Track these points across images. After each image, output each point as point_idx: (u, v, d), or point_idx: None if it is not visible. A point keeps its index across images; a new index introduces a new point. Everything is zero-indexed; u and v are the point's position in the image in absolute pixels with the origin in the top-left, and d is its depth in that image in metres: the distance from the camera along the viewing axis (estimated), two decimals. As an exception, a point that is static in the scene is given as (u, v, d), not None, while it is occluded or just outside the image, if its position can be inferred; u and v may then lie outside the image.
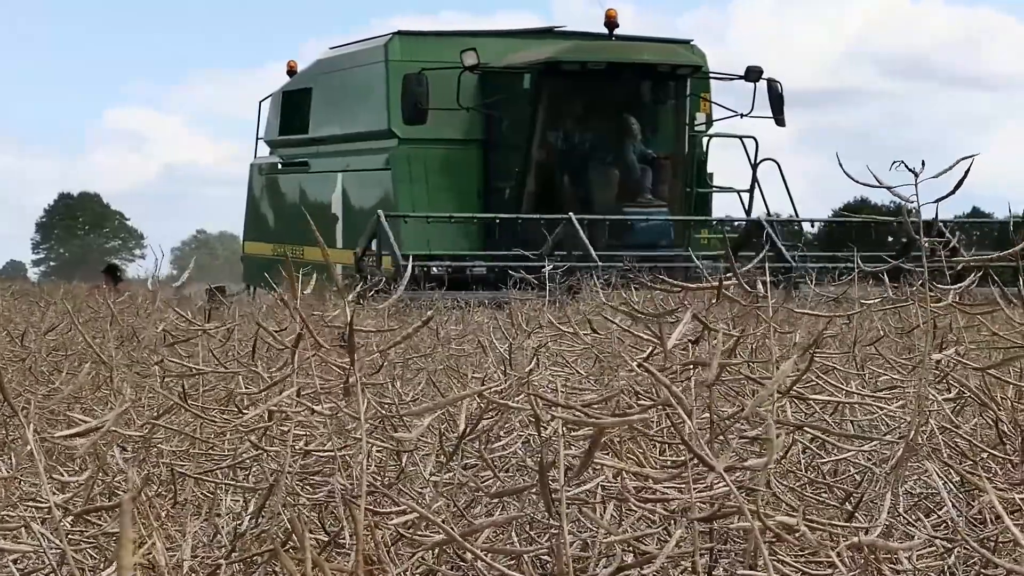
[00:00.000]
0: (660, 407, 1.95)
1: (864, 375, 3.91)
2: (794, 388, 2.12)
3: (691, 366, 2.49)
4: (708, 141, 19.18)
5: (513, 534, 2.58)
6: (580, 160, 18.15)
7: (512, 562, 2.50)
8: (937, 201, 2.43)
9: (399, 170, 17.97)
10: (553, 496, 2.16)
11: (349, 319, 2.08)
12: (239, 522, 2.75)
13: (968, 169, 2.36)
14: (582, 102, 18.01)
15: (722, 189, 19.52)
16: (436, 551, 2.59)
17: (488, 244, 17.40)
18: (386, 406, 3.09)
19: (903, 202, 2.48)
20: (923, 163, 2.42)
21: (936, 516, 2.94)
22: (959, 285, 2.62)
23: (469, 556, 2.44)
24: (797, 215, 18.86)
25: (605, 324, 2.97)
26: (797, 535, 1.73)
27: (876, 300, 3.26)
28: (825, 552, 2.68)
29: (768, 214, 18.69)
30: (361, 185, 19.01)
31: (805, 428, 2.23)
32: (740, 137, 18.88)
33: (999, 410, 3.01)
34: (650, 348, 2.78)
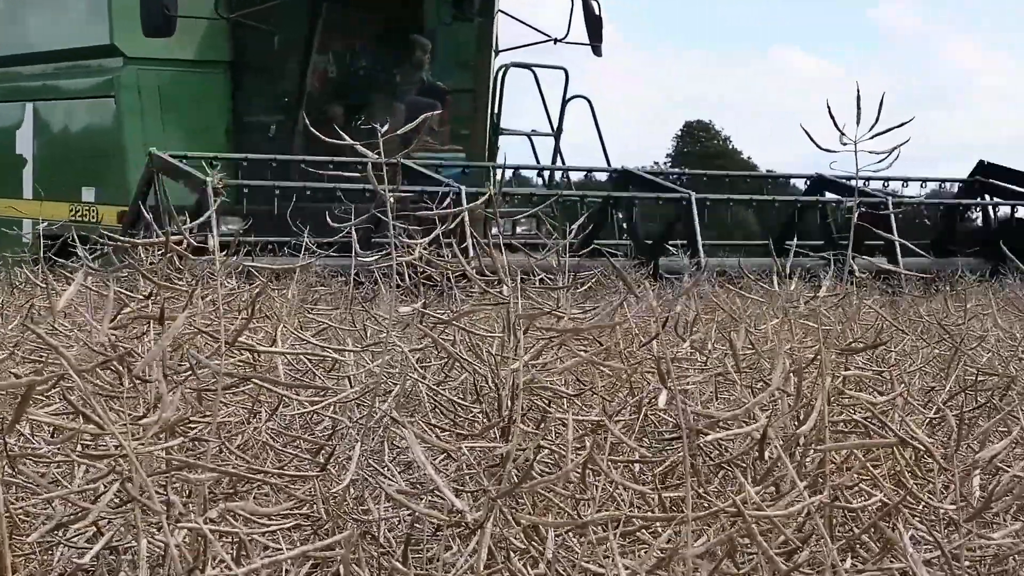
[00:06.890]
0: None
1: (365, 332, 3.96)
2: (240, 341, 2.11)
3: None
4: (503, 72, 14.93)
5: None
6: (363, 90, 14.43)
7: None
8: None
9: (126, 98, 13.73)
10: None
11: None
12: None
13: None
14: (369, 19, 14.34)
15: (513, 131, 15.26)
16: None
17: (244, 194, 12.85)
18: None
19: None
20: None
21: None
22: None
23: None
24: (609, 164, 14.47)
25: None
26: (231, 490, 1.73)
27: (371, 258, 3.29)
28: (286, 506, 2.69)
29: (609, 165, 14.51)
30: (65, 118, 14.90)
31: (253, 380, 2.23)
32: (531, 68, 14.78)
33: (481, 364, 3.07)
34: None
